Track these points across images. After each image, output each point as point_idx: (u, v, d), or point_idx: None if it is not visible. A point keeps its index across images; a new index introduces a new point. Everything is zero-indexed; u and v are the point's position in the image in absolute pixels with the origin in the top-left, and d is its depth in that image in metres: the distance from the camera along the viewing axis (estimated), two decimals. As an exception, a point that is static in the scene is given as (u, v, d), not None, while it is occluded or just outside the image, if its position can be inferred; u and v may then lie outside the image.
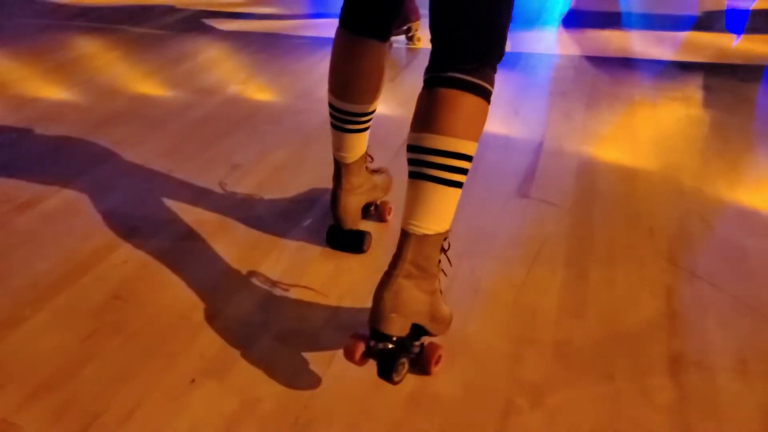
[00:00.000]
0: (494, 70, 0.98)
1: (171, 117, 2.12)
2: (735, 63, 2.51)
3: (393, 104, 2.18)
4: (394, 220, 1.48)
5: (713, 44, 2.76)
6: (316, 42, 2.86)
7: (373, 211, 1.48)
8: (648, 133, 1.93)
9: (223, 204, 1.59)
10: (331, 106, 1.26)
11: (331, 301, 1.24)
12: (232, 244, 1.42)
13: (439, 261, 1.00)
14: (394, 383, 0.96)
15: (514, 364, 1.08)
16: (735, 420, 0.97)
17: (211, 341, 1.14)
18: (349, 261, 1.35)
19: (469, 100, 0.94)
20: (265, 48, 2.81)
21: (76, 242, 1.44)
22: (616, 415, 0.98)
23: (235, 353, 1.11)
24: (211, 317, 1.20)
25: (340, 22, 1.21)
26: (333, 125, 1.28)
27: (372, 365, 0.98)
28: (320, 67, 2.55)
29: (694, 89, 2.26)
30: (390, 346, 0.96)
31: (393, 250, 0.97)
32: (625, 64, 2.55)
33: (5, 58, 2.79)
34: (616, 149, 1.82)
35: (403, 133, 1.96)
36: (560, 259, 1.34)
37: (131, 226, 1.49)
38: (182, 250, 1.40)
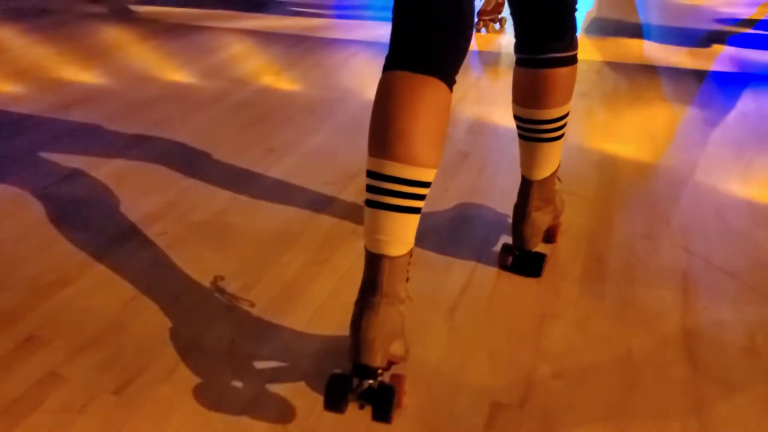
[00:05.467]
0: (576, 32, 1.14)
1: (207, 103, 2.20)
2: (750, 72, 2.57)
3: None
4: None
5: (728, 55, 2.82)
6: (345, 42, 2.92)
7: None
8: (665, 133, 1.99)
9: (259, 184, 1.65)
10: (378, 176, 0.89)
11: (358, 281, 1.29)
12: (266, 221, 1.48)
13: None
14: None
15: (537, 336, 1.14)
16: (744, 390, 1.03)
17: (248, 309, 1.20)
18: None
19: (567, 73, 1.13)
20: (295, 45, 2.89)
21: (117, 214, 1.51)
22: (634, 385, 1.03)
23: (273, 321, 1.17)
24: (248, 287, 1.26)
25: (395, 65, 0.91)
26: (380, 204, 0.90)
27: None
28: (351, 63, 2.61)
29: (710, 95, 2.32)
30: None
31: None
32: (645, 70, 2.60)
33: (42, 44, 2.89)
34: (635, 147, 1.88)
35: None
36: (582, 245, 1.40)
37: (170, 201, 1.56)
38: (219, 226, 1.47)
